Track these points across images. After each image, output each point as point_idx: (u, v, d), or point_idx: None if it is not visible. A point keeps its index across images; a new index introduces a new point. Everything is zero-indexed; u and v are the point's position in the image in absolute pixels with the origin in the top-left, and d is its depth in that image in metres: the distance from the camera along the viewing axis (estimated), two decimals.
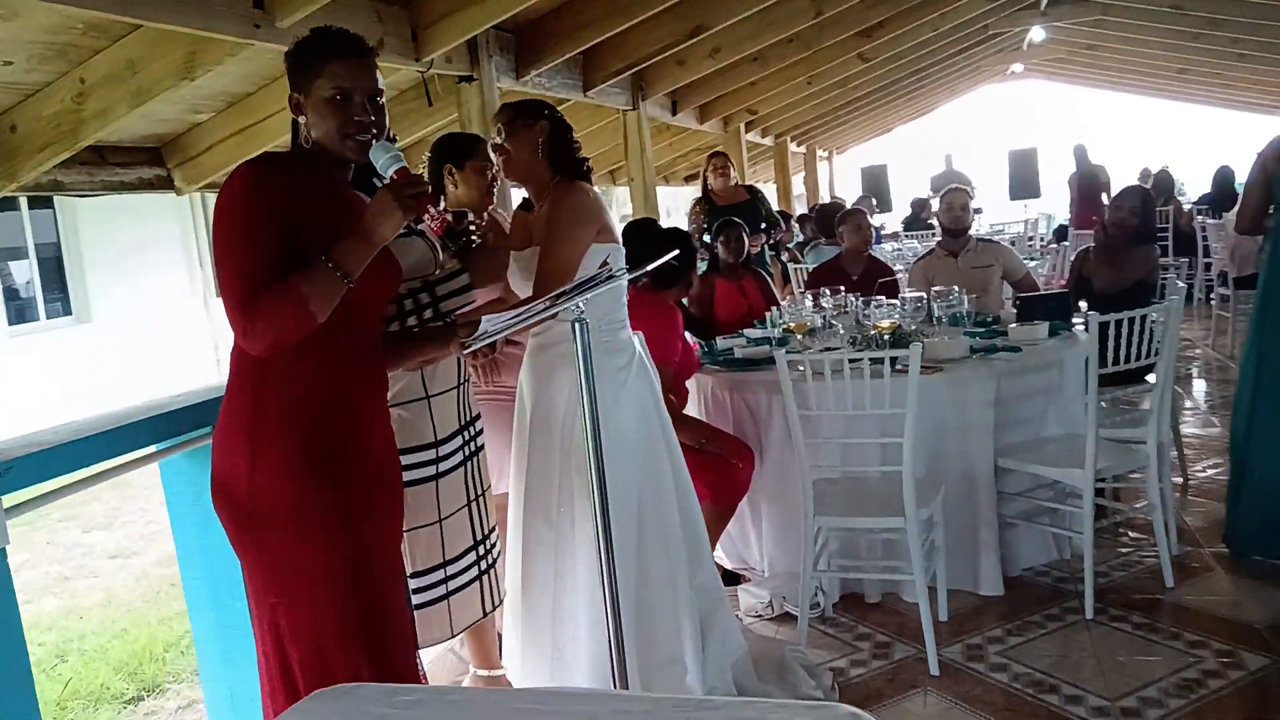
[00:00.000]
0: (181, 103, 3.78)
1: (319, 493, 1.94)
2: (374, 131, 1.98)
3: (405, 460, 2.41)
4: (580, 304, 2.08)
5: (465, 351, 2.32)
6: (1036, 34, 10.69)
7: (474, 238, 2.64)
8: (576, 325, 2.11)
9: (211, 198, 2.27)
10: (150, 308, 12.29)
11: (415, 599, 2.54)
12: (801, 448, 3.21)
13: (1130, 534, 4.01)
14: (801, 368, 3.29)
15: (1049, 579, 3.67)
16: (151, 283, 12.55)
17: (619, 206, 16.12)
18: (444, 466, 2.58)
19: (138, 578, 5.54)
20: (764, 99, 8.75)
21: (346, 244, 1.88)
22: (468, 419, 2.67)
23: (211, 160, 4.17)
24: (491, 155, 2.95)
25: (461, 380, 2.65)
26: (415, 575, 2.54)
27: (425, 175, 3.23)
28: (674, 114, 7.66)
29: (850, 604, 3.60)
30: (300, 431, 1.94)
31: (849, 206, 8.08)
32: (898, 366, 3.33)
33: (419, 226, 2.49)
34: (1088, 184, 12.40)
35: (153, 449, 2.40)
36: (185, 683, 3.92)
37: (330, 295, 1.86)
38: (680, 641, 2.81)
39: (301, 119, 1.99)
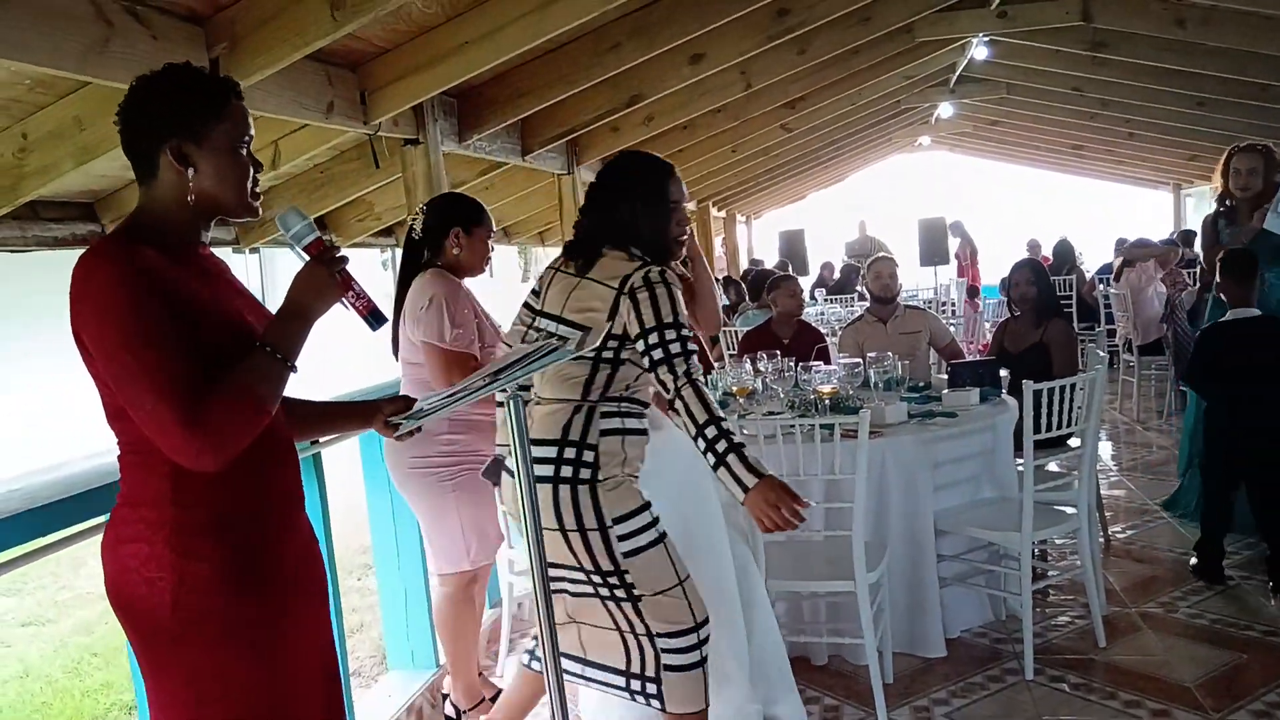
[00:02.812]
0: (121, 159, 3.67)
1: (252, 605, 1.70)
2: None
3: (626, 528, 2.45)
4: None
5: (397, 434, 2.01)
6: (945, 110, 11.23)
7: None
8: (511, 403, 1.89)
9: None
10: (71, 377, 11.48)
11: (673, 659, 2.52)
12: None
13: (1057, 594, 4.14)
14: (748, 431, 3.35)
15: (986, 640, 3.76)
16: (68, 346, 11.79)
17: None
18: (661, 529, 2.53)
19: (55, 647, 5.23)
20: (691, 165, 8.95)
21: (282, 325, 1.67)
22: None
23: None
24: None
25: None
26: (668, 635, 2.51)
27: (418, 229, 3.19)
28: None
29: (797, 667, 3.60)
30: (230, 540, 1.68)
31: (775, 271, 8.28)
32: (843, 431, 3.42)
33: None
34: (972, 252, 15.18)
35: None
36: None
37: (280, 386, 1.65)
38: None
39: (190, 170, 1.66)
